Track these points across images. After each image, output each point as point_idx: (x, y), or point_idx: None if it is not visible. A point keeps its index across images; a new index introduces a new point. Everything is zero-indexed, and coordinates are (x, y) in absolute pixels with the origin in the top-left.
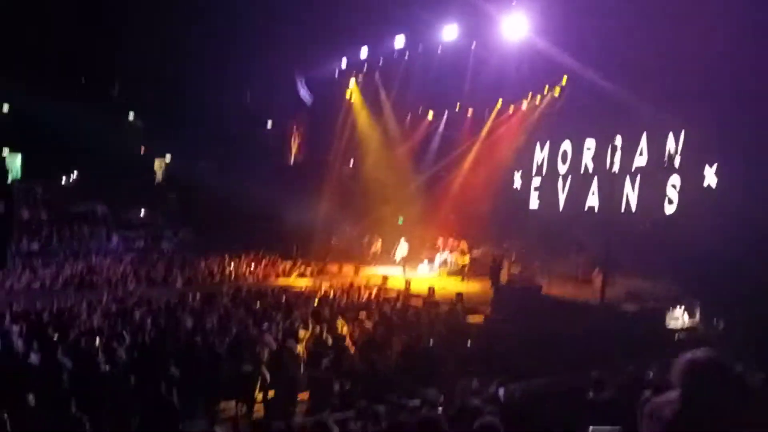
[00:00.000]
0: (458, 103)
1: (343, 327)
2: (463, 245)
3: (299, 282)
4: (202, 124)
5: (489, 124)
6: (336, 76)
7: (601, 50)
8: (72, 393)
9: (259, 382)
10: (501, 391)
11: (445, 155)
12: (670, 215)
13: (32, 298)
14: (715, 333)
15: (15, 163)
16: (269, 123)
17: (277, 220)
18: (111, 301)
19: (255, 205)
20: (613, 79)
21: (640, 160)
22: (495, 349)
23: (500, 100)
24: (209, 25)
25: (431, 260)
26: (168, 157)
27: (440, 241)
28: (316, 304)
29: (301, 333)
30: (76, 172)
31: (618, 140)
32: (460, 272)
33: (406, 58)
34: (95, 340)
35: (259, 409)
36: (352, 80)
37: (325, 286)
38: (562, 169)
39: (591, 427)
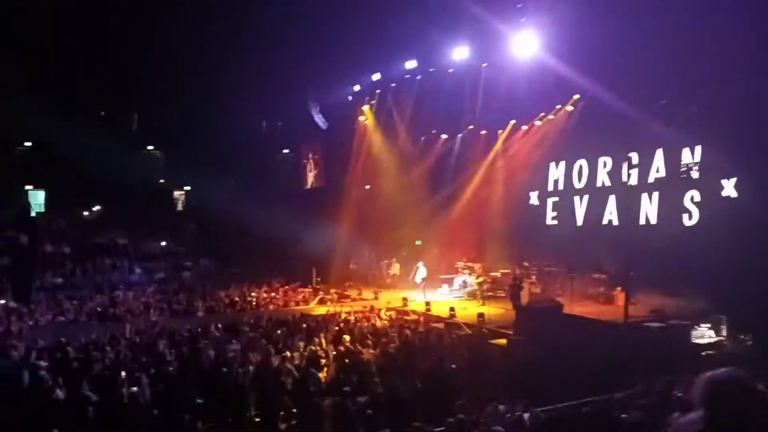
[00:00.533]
0: (471, 124)
1: (364, 352)
2: (478, 268)
3: (320, 308)
4: (219, 153)
5: (502, 143)
6: (350, 100)
7: (611, 67)
8: (97, 427)
9: (282, 411)
10: (526, 416)
11: (460, 176)
12: (690, 227)
13: (57, 331)
14: (742, 349)
15: (38, 198)
16: (285, 150)
17: (296, 246)
18: (134, 332)
19: (273, 232)
20: (626, 96)
21: (657, 175)
22: (519, 371)
23: (512, 120)
24: (225, 56)
25: (450, 283)
26: (187, 188)
27: (459, 264)
28: (337, 331)
29: (323, 360)
30: (98, 205)
31: (634, 156)
32: (477, 295)
33: (418, 80)
34: (119, 373)
35: None
36: (366, 105)
37: (345, 311)
38: (579, 185)
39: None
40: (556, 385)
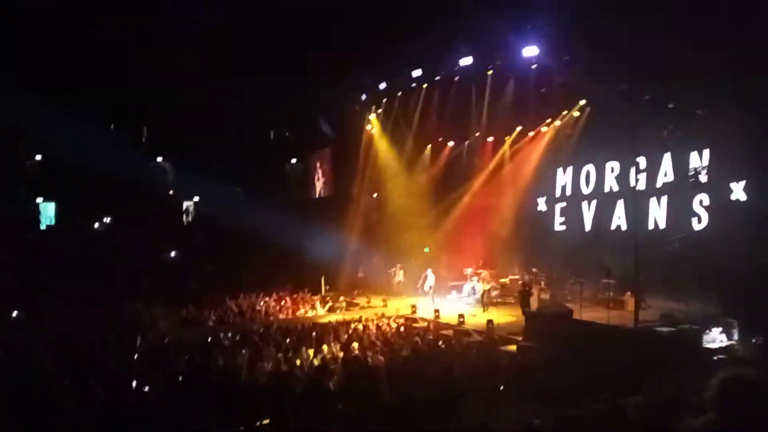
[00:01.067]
0: (477, 131)
1: (374, 359)
2: (486, 275)
3: (329, 316)
4: (228, 163)
5: (509, 150)
6: (356, 108)
7: (617, 71)
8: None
9: (292, 418)
10: (537, 421)
11: (467, 182)
12: (700, 231)
13: (66, 340)
14: (754, 352)
15: (48, 210)
16: (294, 159)
17: (305, 254)
18: (144, 342)
19: (282, 241)
20: (632, 100)
21: (665, 179)
22: (529, 377)
23: (519, 126)
24: (233, 66)
25: (459, 289)
26: (196, 198)
27: (468, 271)
28: (346, 338)
29: (332, 367)
30: (108, 217)
31: (641, 160)
32: (484, 301)
33: (424, 88)
34: (130, 384)
35: None
36: (373, 114)
37: (354, 319)
38: (587, 190)
39: None
40: (567, 390)
